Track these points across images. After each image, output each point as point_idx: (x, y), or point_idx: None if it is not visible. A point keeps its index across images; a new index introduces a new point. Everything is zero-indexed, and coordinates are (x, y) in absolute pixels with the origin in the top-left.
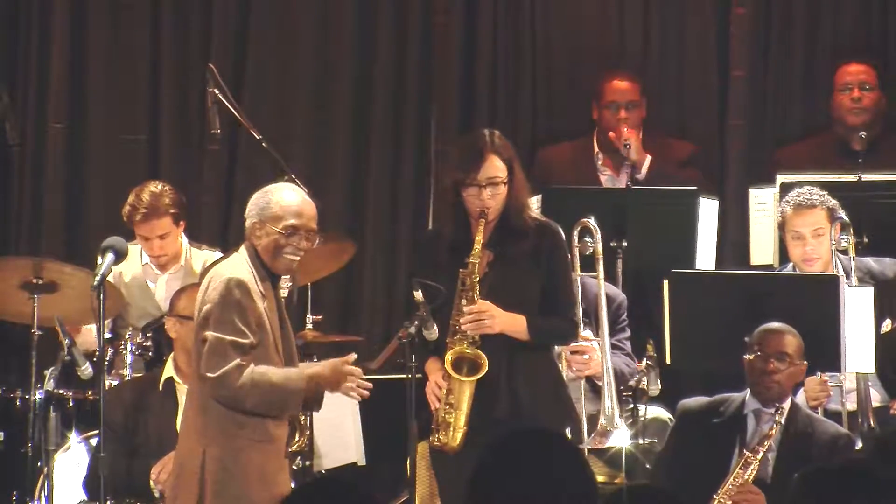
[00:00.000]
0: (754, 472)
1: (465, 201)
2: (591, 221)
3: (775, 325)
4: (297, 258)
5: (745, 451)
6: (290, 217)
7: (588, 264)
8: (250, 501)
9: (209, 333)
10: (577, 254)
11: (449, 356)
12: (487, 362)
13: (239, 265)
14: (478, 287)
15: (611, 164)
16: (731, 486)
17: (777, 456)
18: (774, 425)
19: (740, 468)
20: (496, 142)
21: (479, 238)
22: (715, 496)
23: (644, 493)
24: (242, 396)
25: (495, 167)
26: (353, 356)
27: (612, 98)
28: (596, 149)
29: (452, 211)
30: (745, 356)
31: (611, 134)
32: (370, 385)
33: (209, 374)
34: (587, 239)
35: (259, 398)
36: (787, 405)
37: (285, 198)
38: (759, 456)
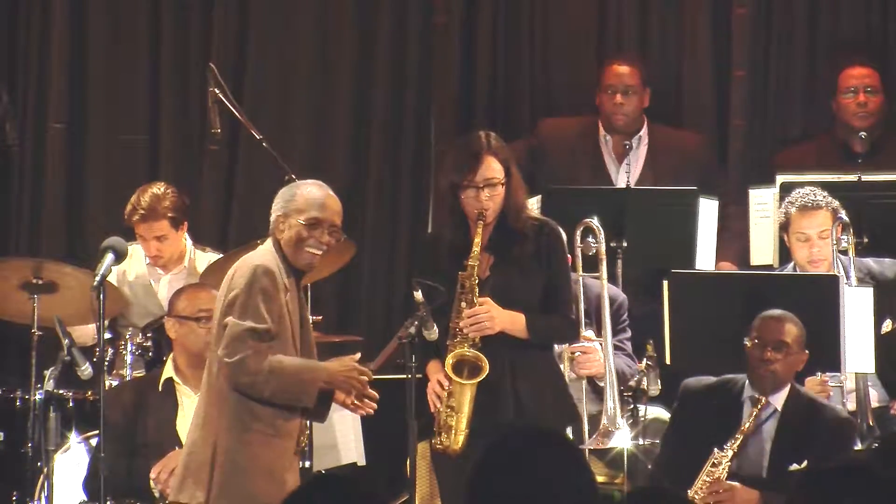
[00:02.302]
0: (726, 469)
1: (462, 204)
2: (594, 222)
3: (776, 312)
4: (319, 252)
5: (714, 449)
6: (314, 210)
7: (591, 265)
8: (255, 497)
9: (230, 319)
10: (580, 254)
11: (449, 359)
12: (488, 364)
13: (267, 256)
14: (477, 289)
15: (616, 148)
16: (702, 484)
17: (773, 446)
18: (750, 421)
19: (711, 466)
20: (492, 143)
21: (477, 240)
22: (689, 491)
23: (648, 495)
24: (261, 383)
25: (492, 169)
26: (358, 355)
27: (609, 82)
28: (602, 131)
29: (451, 213)
30: (745, 342)
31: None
32: (376, 396)
33: (227, 360)
34: (590, 239)
35: (277, 386)
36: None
37: (310, 191)
38: (730, 454)
